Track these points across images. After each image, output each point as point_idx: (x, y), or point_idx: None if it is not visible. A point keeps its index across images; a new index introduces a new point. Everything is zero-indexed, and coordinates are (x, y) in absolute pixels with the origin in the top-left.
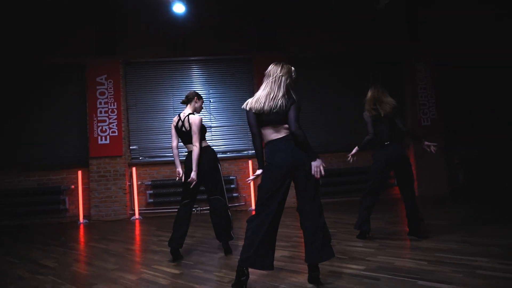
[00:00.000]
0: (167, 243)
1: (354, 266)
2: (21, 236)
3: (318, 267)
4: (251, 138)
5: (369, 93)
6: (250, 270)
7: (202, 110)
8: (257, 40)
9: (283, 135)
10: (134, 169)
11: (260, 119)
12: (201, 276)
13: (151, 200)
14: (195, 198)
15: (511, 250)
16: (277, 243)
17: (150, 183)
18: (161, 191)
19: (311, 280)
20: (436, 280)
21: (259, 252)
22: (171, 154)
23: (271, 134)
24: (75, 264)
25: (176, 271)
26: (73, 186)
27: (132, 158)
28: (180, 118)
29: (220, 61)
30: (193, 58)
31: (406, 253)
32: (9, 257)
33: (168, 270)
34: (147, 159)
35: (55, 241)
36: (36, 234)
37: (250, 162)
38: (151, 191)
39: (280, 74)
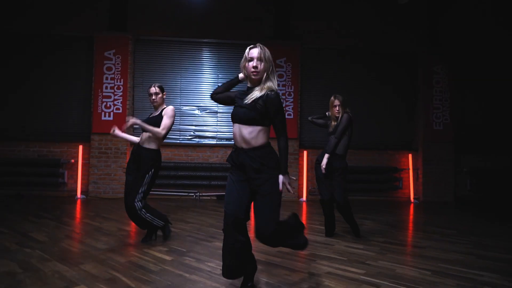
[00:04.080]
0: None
1: (354, 270)
2: (16, 207)
3: None
4: None
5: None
6: None
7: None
8: (272, 28)
9: None
10: None
11: None
12: (192, 264)
13: None
14: None
15: None
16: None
17: None
18: (161, 173)
19: None
20: None
21: None
22: (174, 137)
23: None
24: (65, 240)
25: (167, 257)
26: (73, 160)
27: None
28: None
29: (232, 45)
30: (204, 41)
31: (407, 260)
32: None
33: (159, 255)
34: None
35: (49, 214)
36: (32, 205)
37: None
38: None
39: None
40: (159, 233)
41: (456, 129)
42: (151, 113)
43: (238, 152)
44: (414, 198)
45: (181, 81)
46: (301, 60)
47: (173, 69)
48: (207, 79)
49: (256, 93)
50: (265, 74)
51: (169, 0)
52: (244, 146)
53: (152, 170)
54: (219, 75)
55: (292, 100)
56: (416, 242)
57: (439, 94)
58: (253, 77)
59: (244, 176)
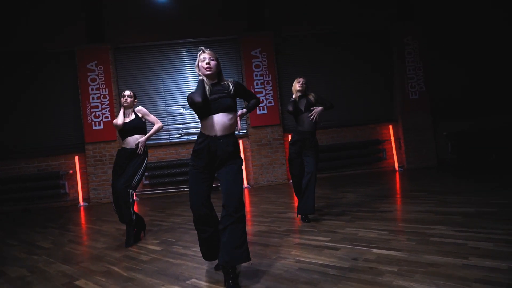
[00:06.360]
0: (158, 223)
1: (321, 238)
2: (24, 221)
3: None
4: None
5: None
6: None
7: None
8: (245, 20)
9: None
10: None
11: None
12: (179, 251)
13: (147, 182)
14: None
15: (469, 218)
16: (257, 219)
17: None
18: (156, 172)
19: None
20: (389, 248)
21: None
22: (164, 137)
23: None
24: (68, 244)
25: (157, 248)
26: (71, 171)
27: None
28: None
29: (209, 42)
30: (182, 41)
31: (372, 225)
32: (9, 240)
33: (151, 247)
34: None
35: (54, 223)
36: (38, 217)
37: (241, 141)
38: (147, 173)
39: None
40: (149, 231)
41: (432, 96)
42: (124, 119)
43: (211, 140)
44: (398, 167)
45: (164, 83)
46: (275, 48)
47: (155, 72)
48: (189, 78)
49: (226, 86)
50: (217, 70)
51: (141, 6)
52: (221, 133)
53: (146, 159)
54: None
55: (271, 88)
56: (386, 207)
57: (411, 64)
58: (207, 72)
59: (206, 169)
